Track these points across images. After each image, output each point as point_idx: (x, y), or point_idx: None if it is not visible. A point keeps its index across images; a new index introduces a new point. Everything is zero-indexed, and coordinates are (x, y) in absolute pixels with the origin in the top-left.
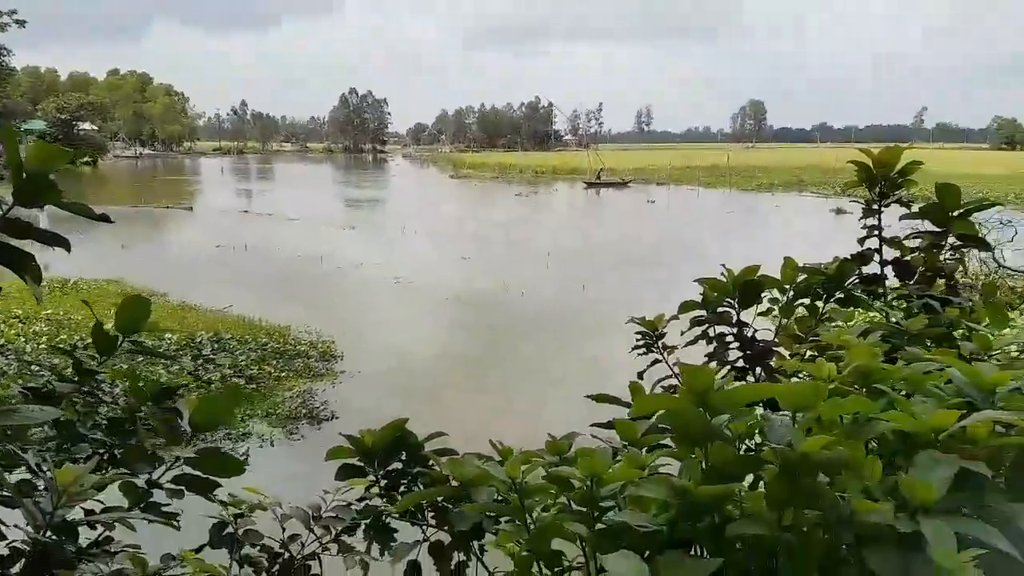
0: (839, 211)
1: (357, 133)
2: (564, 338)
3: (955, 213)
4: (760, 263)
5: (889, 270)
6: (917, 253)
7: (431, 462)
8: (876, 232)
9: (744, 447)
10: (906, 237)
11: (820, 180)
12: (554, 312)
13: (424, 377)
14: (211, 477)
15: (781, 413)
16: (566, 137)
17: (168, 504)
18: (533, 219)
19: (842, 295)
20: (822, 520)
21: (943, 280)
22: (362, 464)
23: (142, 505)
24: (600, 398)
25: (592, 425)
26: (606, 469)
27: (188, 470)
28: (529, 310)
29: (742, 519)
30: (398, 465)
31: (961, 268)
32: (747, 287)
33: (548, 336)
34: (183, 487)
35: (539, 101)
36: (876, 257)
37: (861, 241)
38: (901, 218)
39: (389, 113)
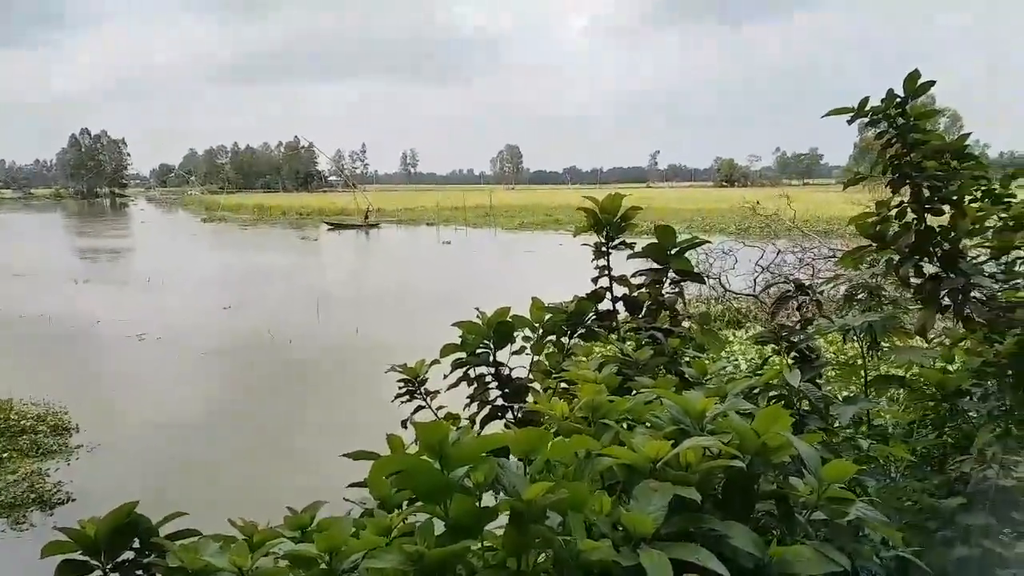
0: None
1: (92, 176)
2: (336, 388)
3: (672, 251)
4: (546, 297)
5: (621, 306)
6: (643, 289)
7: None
8: (606, 272)
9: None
10: (633, 275)
11: (573, 219)
12: (325, 361)
13: (177, 445)
14: None
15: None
16: (331, 178)
17: None
18: (299, 263)
19: (584, 331)
20: (555, 563)
21: (667, 312)
22: (86, 558)
23: None
24: (358, 455)
25: (349, 486)
26: (345, 540)
27: None
28: (298, 360)
29: (479, 573)
30: (131, 555)
31: (681, 300)
32: (500, 328)
33: (319, 387)
34: None
35: (299, 141)
36: (609, 295)
37: (595, 280)
38: (628, 257)
39: (128, 154)
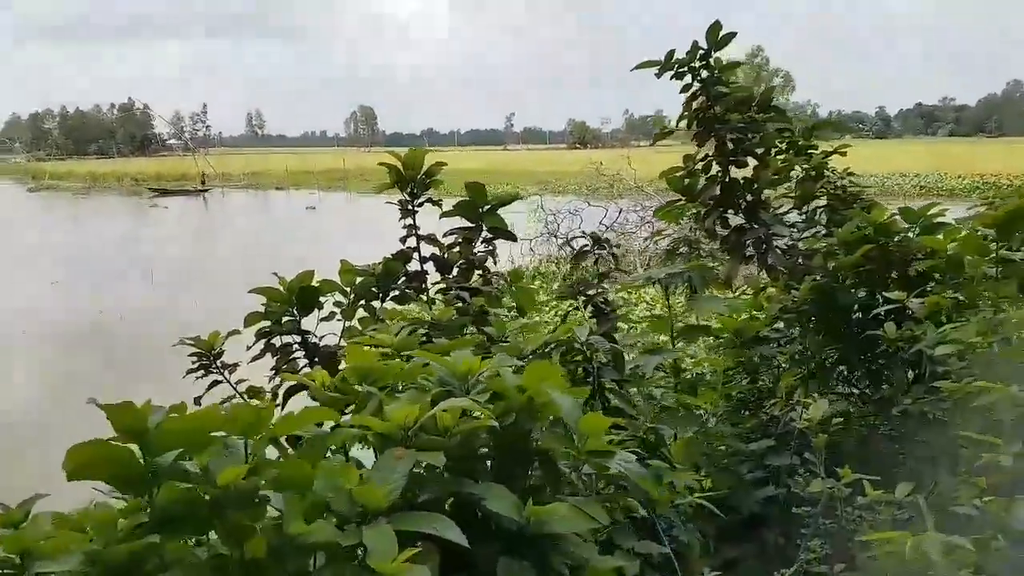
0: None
1: None
2: (167, 368)
3: (485, 208)
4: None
5: (432, 266)
6: (455, 248)
7: None
8: (414, 231)
9: None
10: (445, 234)
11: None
12: (159, 337)
13: None
14: None
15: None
16: (170, 141)
17: None
18: (137, 233)
19: (398, 293)
20: (270, 551)
21: (480, 272)
22: None
23: None
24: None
25: None
26: (39, 540)
27: None
28: (128, 337)
29: (178, 569)
30: None
31: (492, 258)
32: (304, 293)
33: (147, 367)
34: None
35: (133, 102)
36: (417, 255)
37: (403, 240)
38: (441, 216)
39: None
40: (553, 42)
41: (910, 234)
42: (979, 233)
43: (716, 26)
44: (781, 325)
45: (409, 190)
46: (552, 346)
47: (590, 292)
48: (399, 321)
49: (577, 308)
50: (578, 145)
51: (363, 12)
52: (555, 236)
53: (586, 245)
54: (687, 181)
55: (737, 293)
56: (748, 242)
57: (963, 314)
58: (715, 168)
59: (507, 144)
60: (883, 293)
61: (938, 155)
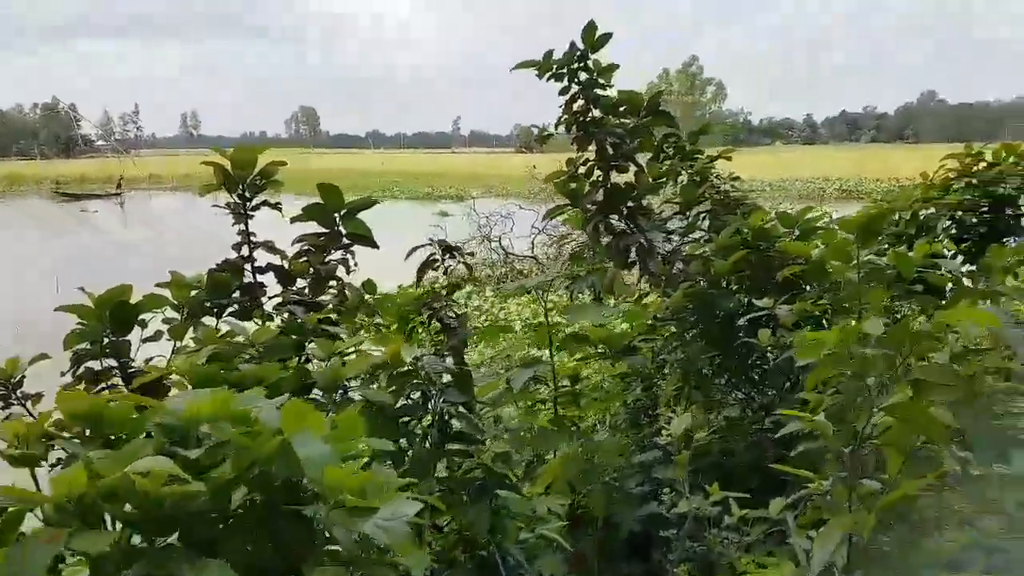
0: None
1: None
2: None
3: (340, 213)
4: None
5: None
6: (304, 257)
7: None
8: (248, 238)
9: None
10: (293, 241)
11: (380, 185)
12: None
13: None
14: None
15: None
16: (98, 143)
17: None
18: (48, 240)
19: (236, 308)
20: None
21: (332, 284)
22: None
23: None
24: None
25: None
26: None
27: None
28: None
29: None
30: None
31: (344, 267)
32: (117, 311)
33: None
34: None
35: (58, 102)
36: (250, 265)
37: (237, 247)
38: (292, 220)
39: None
40: (501, 45)
41: (788, 239)
42: (846, 238)
43: (591, 26)
44: (673, 330)
45: (240, 192)
46: (381, 371)
47: (435, 305)
48: (223, 343)
49: (423, 323)
50: (524, 149)
51: (322, 11)
52: (487, 240)
53: (434, 254)
54: (572, 186)
55: (619, 302)
56: (632, 248)
57: (837, 320)
58: (597, 173)
59: (454, 147)
60: (755, 300)
61: (860, 160)
